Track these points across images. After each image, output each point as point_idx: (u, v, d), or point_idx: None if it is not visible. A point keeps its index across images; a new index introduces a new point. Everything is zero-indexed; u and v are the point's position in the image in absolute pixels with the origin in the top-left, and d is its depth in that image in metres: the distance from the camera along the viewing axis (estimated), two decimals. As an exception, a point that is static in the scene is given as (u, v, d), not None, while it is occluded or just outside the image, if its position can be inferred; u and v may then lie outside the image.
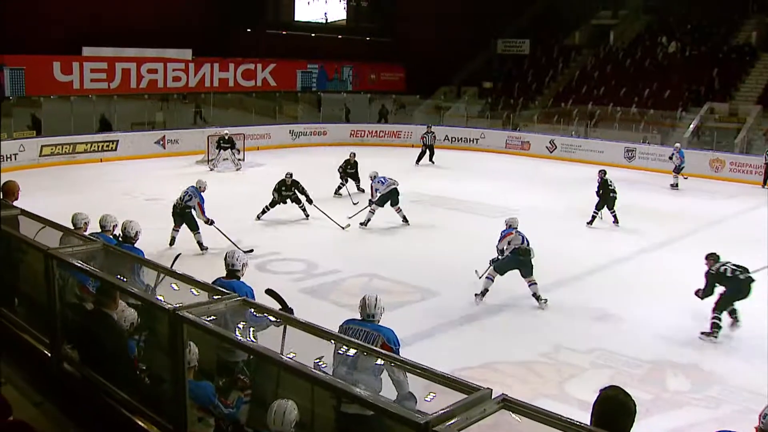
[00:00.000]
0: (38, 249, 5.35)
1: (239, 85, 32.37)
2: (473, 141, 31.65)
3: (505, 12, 36.90)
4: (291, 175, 16.42)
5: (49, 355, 5.15)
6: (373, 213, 16.18)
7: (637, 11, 37.87)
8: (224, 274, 6.79)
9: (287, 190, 16.25)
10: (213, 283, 5.85)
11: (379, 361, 4.43)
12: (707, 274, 10.15)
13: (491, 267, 11.26)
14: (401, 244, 14.62)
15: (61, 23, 26.56)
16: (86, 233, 7.99)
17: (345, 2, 37.47)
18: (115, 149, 25.56)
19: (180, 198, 13.59)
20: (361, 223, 16.06)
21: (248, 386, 4.82)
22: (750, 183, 23.66)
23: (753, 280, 9.90)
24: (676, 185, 22.81)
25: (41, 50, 25.63)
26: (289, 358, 3.77)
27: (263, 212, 16.34)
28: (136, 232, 8.36)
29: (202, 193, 13.54)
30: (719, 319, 9.91)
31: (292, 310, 5.76)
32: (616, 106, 31.16)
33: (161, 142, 26.80)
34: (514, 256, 10.99)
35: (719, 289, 10.03)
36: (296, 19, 36.00)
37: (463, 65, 37.81)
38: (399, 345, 5.68)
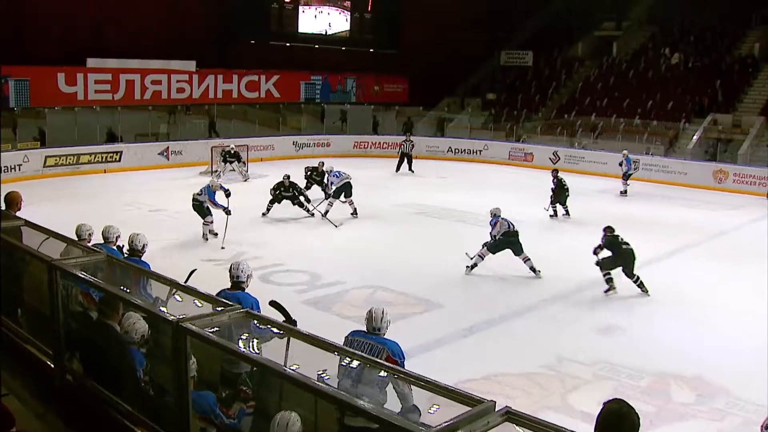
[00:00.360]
0: (42, 260, 5.36)
1: (243, 96, 32.52)
2: (476, 152, 31.70)
3: (509, 24, 37.02)
4: (289, 176, 17.63)
5: (53, 366, 5.15)
6: (331, 205, 17.72)
7: (640, 23, 38.00)
8: (229, 286, 6.79)
9: (285, 191, 17.47)
10: (217, 294, 5.88)
11: (384, 374, 4.42)
12: (603, 238, 12.38)
13: (484, 248, 13.14)
14: (404, 255, 14.60)
15: (65, 34, 26.75)
16: (90, 244, 8.01)
17: (348, 14, 37.58)
18: (119, 160, 25.61)
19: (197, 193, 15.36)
20: (323, 215, 17.49)
21: (251, 398, 4.82)
22: (754, 194, 23.63)
23: (633, 251, 12.10)
24: (625, 192, 22.95)
25: (45, 61, 25.77)
26: (292, 370, 3.77)
27: (267, 210, 17.63)
28: (143, 245, 8.30)
29: (213, 192, 15.14)
30: (610, 276, 12.14)
31: (295, 321, 5.75)
32: (619, 118, 31.21)
33: (165, 154, 26.85)
34: (505, 238, 13.03)
35: (605, 253, 12.30)
36: (300, 30, 36.10)
37: (466, 77, 38.03)
38: (404, 358, 5.67)
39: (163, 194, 20.46)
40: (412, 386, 4.02)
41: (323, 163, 20.19)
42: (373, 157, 30.19)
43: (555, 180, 18.63)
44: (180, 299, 5.06)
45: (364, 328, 5.83)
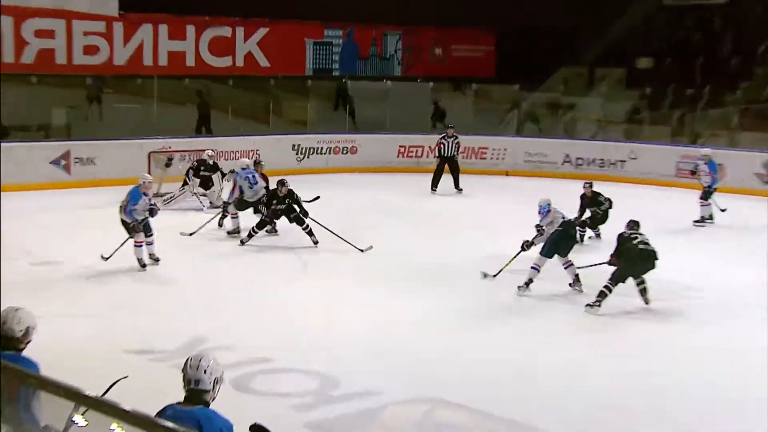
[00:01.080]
0: None
1: (205, 63, 33.00)
2: (616, 164, 31.76)
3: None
4: (284, 182, 19.88)
5: None
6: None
7: None
8: (181, 399, 6.59)
9: (279, 203, 19.61)
10: (160, 413, 5.90)
11: None
12: (619, 236, 15.78)
13: (534, 249, 16.71)
14: (482, 346, 14.37)
15: None
16: None
17: None
18: (-24, 173, 25.73)
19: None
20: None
21: None
22: None
23: (655, 257, 15.17)
24: (706, 219, 23.68)
25: None
26: None
27: (249, 236, 19.89)
28: (26, 329, 8.11)
29: (139, 194, 17.25)
30: (609, 290, 15.29)
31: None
32: None
33: (63, 163, 27.14)
34: (564, 231, 16.38)
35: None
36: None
37: (598, 32, 37.65)
38: None
39: (60, 234, 20.60)
40: None
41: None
42: (432, 171, 29.88)
43: (592, 196, 21.33)
44: (89, 423, 4.99)
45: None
